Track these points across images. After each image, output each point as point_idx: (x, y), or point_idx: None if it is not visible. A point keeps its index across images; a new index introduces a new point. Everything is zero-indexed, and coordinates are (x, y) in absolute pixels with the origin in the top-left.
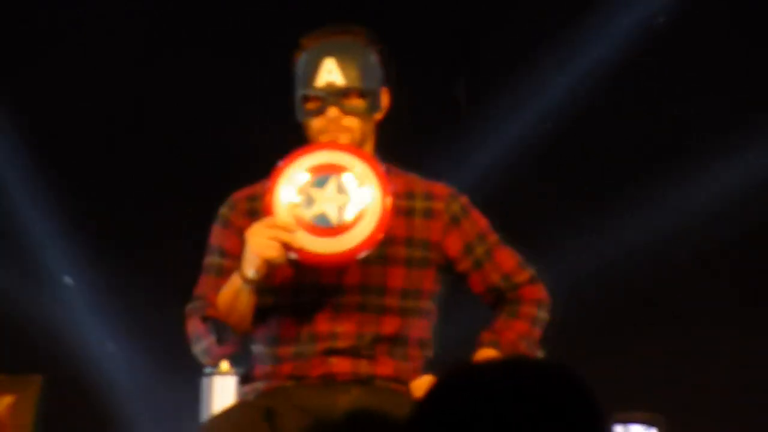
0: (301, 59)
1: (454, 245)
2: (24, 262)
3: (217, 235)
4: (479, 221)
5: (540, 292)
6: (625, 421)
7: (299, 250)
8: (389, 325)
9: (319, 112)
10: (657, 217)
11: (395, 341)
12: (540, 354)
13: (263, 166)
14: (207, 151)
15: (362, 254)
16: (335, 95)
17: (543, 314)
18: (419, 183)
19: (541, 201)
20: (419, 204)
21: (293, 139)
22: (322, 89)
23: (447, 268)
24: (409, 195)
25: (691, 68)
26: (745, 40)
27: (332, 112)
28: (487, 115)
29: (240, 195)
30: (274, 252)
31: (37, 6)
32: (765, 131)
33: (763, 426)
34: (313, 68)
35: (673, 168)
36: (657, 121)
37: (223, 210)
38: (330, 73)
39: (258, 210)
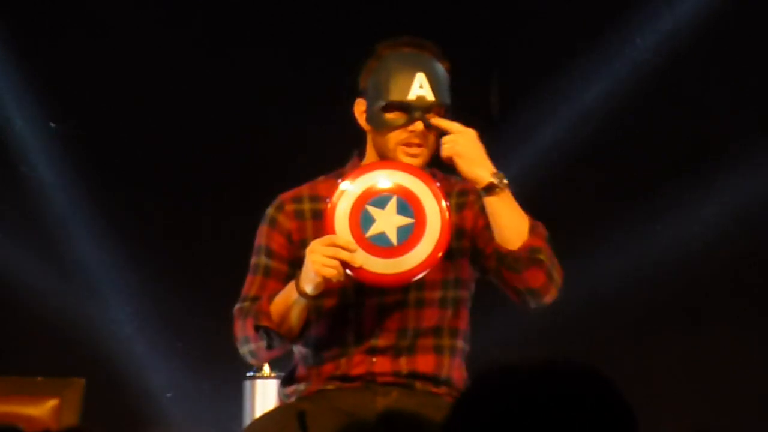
0: (381, 67)
1: (478, 222)
2: (66, 264)
3: (264, 236)
4: None
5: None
6: None
7: (358, 269)
8: (429, 318)
9: (405, 124)
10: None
11: (435, 333)
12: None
13: (304, 167)
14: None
15: (420, 275)
16: (423, 110)
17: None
18: (457, 184)
19: (576, 204)
20: (453, 201)
21: (344, 141)
22: (413, 103)
23: (473, 251)
24: (447, 196)
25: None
26: None
27: (419, 125)
28: (520, 120)
29: (286, 196)
30: (333, 271)
31: None
32: None
33: None
34: (403, 80)
35: (704, 178)
36: (691, 117)
37: (271, 211)
38: (421, 87)
39: (303, 212)
